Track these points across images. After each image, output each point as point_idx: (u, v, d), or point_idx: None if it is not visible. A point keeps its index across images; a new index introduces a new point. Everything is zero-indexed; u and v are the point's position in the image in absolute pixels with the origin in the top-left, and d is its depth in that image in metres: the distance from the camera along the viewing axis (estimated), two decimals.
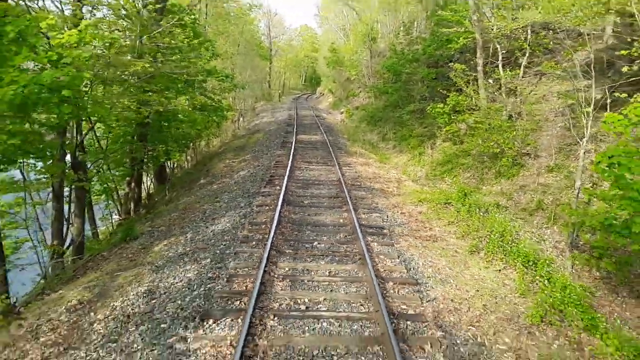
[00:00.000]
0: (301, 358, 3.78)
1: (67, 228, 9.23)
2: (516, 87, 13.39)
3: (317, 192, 9.11)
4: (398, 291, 5.01)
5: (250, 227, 6.94)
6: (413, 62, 19.02)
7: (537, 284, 6.07)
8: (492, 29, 13.80)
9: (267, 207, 7.90)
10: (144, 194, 14.26)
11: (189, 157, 19.11)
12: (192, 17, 12.45)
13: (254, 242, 6.29)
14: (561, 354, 4.43)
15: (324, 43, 51.45)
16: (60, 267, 8.05)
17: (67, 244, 8.95)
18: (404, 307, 4.66)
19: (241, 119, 27.47)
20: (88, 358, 4.22)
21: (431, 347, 3.96)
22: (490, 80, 14.52)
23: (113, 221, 13.30)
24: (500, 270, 6.43)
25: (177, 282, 5.40)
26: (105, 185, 11.87)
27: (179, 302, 4.90)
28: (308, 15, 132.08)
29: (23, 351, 4.57)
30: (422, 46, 18.32)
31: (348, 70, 32.07)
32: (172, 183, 14.10)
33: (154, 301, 5.05)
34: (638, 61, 7.24)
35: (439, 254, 6.57)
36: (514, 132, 11.45)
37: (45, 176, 9.01)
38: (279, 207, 7.47)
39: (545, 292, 5.60)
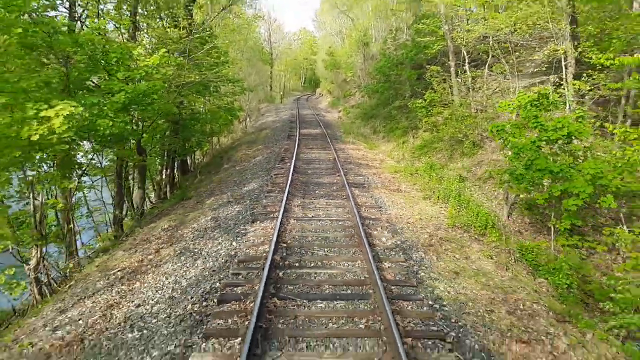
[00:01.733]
0: (309, 234, 7.20)
1: (121, 199, 12.63)
2: (482, 85, 16.88)
3: (317, 166, 12.58)
4: (367, 210, 8.46)
5: (272, 186, 10.39)
6: (399, 65, 22.53)
7: (462, 215, 9.48)
8: (460, 38, 17.21)
9: (282, 175, 11.34)
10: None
11: (205, 152, 22.55)
12: (213, 36, 15.96)
13: (276, 192, 9.73)
14: (459, 238, 7.86)
15: (321, 46, 55.10)
16: (124, 225, 11.50)
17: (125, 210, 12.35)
18: (369, 216, 8.11)
19: (248, 118, 30.95)
20: (185, 245, 7.60)
21: (381, 229, 7.40)
22: (459, 79, 18.10)
23: (147, 205, 16.74)
24: (440, 207, 9.85)
25: (231, 213, 8.85)
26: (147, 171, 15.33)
27: (235, 219, 8.34)
28: (306, 18, 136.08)
29: (145, 247, 8.01)
30: (405, 51, 21.82)
31: (344, 72, 35.66)
32: (198, 170, 17.55)
33: (219, 222, 8.48)
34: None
35: (400, 197, 10.03)
36: (475, 121, 14.90)
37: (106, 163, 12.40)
38: (290, 174, 10.90)
39: (463, 216, 9.02)
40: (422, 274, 5.87)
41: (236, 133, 26.32)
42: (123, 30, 12.52)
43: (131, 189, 13.70)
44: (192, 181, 16.45)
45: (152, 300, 5.54)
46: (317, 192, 9.78)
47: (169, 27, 13.08)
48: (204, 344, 4.18)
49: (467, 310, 5.02)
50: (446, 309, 4.95)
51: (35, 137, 5.48)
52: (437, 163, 14.56)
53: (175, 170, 16.82)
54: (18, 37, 7.14)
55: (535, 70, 16.44)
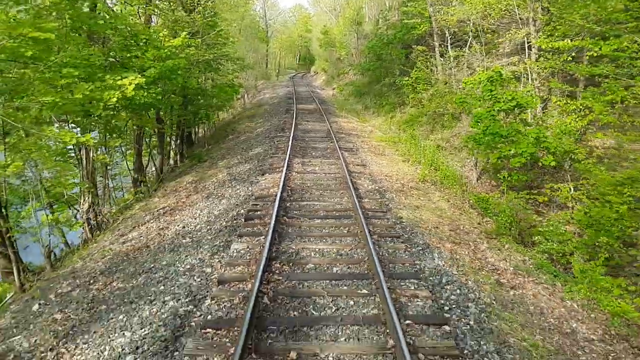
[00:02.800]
0: (307, 181, 9.37)
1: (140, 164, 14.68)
2: (464, 63, 18.92)
3: (313, 135, 14.70)
4: (354, 167, 10.65)
5: (275, 150, 12.51)
6: (389, 45, 24.42)
7: (432, 174, 11.67)
8: (443, 20, 19.10)
9: (283, 142, 13.45)
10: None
11: (212, 125, 24.47)
12: (218, 17, 17.80)
13: (279, 154, 11.86)
14: (426, 188, 10.07)
15: (316, 24, 56.50)
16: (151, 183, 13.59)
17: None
18: (355, 171, 10.29)
19: (246, 95, 32.80)
20: (210, 192, 9.74)
21: (364, 179, 9.59)
22: (443, 59, 20.13)
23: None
24: (415, 167, 12.04)
25: (243, 169, 10.98)
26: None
27: (248, 173, 10.47)
28: None
29: (176, 194, 10.17)
30: (394, 31, 23.71)
31: (338, 51, 37.41)
32: (205, 141, 19.57)
33: (234, 176, 10.62)
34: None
35: (382, 159, 12.21)
36: (455, 97, 16.98)
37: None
38: (290, 141, 13.00)
39: (433, 174, 11.21)
40: (391, 206, 8.09)
41: (235, 109, 28.21)
42: (140, 13, 14.38)
43: (150, 154, 15.80)
44: (201, 150, 18.52)
45: (194, 223, 7.71)
46: (313, 154, 11.94)
47: (183, 11, 14.95)
48: (239, 239, 6.38)
49: (419, 226, 7.25)
50: (404, 224, 7.18)
51: (113, 100, 7.53)
52: (420, 135, 16.71)
53: (184, 140, 18.82)
54: (70, 22, 9.10)
55: (510, 50, 18.47)
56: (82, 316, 5.10)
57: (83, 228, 9.94)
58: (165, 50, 11.40)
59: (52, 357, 4.40)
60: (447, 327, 4.30)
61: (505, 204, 9.82)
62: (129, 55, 10.38)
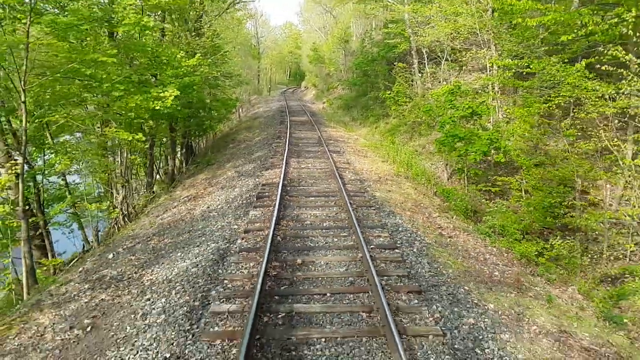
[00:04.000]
0: (303, 174, 11.88)
1: (152, 168, 17.10)
2: (439, 78, 21.72)
3: (306, 142, 17.28)
4: (340, 164, 13.20)
5: (274, 153, 15.03)
6: (374, 61, 27.30)
7: (405, 171, 14.25)
8: (420, 40, 21.92)
9: (280, 146, 15.98)
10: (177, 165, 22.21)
11: (213, 135, 26.95)
12: (218, 37, 20.48)
13: (278, 156, 14.38)
14: (398, 180, 12.64)
15: (306, 41, 59.68)
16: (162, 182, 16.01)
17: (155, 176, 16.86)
18: (341, 167, 12.84)
19: (240, 109, 35.43)
20: (223, 184, 12.20)
21: (348, 172, 12.14)
22: (421, 74, 22.95)
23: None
24: (391, 166, 14.63)
25: (248, 168, 13.47)
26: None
27: (253, 170, 12.96)
28: (292, 9, 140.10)
29: (194, 188, 12.61)
30: (378, 49, 26.60)
31: (328, 67, 40.34)
32: (209, 150, 22.03)
33: (241, 173, 13.09)
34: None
35: (365, 160, 14.79)
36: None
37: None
38: (287, 145, 15.54)
39: (406, 171, 13.80)
40: (369, 190, 10.63)
41: (232, 122, 30.78)
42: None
43: (160, 159, 18.25)
44: (209, 155, 21.00)
45: (216, 204, 10.17)
46: (307, 155, 14.50)
47: (190, 34, 17.60)
48: (255, 209, 8.86)
49: (388, 201, 9.79)
50: (377, 200, 9.72)
51: (157, 108, 10.00)
52: (400, 142, 19.36)
53: (188, 149, 21.29)
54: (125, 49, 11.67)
55: (481, 67, 21.31)
56: (149, 257, 7.52)
57: (118, 216, 12.34)
58: (182, 69, 13.95)
59: (137, 276, 6.80)
60: (397, 251, 6.82)
61: (462, 193, 12.44)
62: (154, 72, 12.88)
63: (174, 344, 4.53)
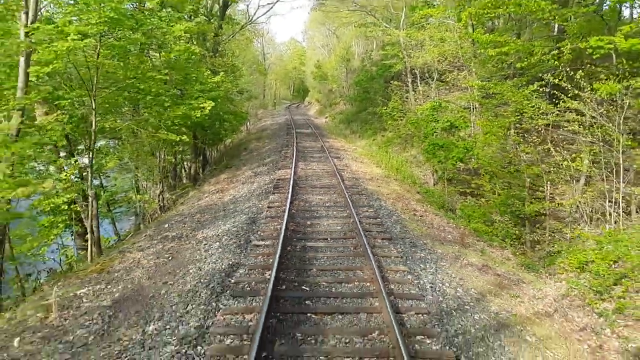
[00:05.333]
0: (309, 174, 14.80)
1: (175, 172, 20.05)
2: (430, 95, 24.77)
3: (310, 149, 20.26)
4: (340, 167, 16.15)
5: (284, 157, 17.98)
6: (373, 79, 30.49)
7: (394, 174, 17.16)
8: (412, 61, 25.06)
9: (289, 153, 18.94)
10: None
11: (217, 149, 30.02)
12: (234, 56, 23.64)
13: (287, 160, 17.33)
14: (387, 180, 15.56)
15: (310, 58, 63.29)
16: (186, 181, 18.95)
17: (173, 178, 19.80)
18: (341, 169, 15.78)
19: (248, 122, 38.58)
20: (244, 180, 15.09)
21: (346, 173, 15.07)
22: (414, 92, 26.04)
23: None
24: (383, 170, 17.55)
25: (263, 169, 16.41)
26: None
27: (268, 171, 15.89)
28: (297, 29, 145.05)
29: (218, 184, 15.54)
30: (377, 69, 29.79)
31: (330, 83, 43.64)
32: (224, 157, 24.99)
33: (257, 173, 16.00)
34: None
35: (361, 164, 17.74)
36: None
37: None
38: (294, 152, 18.50)
39: (395, 174, 16.72)
40: (362, 184, 13.54)
41: (241, 133, 33.87)
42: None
43: (181, 164, 21.22)
44: (220, 163, 23.97)
45: (240, 194, 13.06)
46: (312, 160, 17.45)
47: (210, 54, 20.75)
48: (273, 195, 11.78)
49: (377, 193, 12.69)
50: (368, 191, 12.62)
51: (197, 116, 13.01)
52: (394, 152, 22.33)
53: (204, 157, 24.30)
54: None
55: (464, 87, 24.36)
56: (197, 225, 10.41)
57: (155, 207, 15.23)
58: (208, 85, 17.01)
59: (192, 235, 9.67)
60: (378, 219, 9.72)
61: (441, 192, 15.35)
62: (186, 87, 15.89)
63: (232, 259, 7.41)
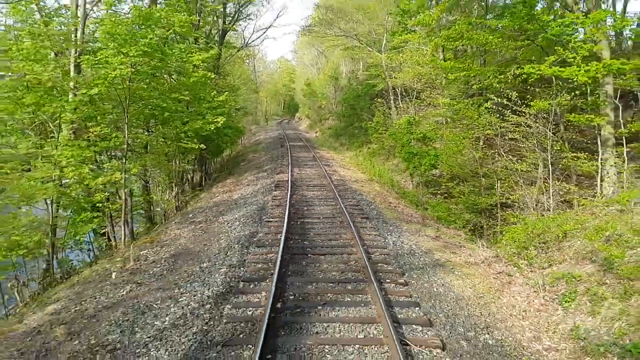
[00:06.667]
0: (303, 177, 17.81)
1: (180, 179, 22.91)
2: (411, 111, 28.02)
3: (304, 159, 23.31)
4: (330, 171, 19.20)
5: (281, 165, 20.97)
6: (359, 97, 33.79)
7: (377, 178, 20.22)
8: (393, 81, 28.38)
9: (285, 162, 21.93)
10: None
11: (215, 161, 32.92)
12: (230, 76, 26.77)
13: (284, 167, 20.32)
14: (369, 182, 18.61)
15: (299, 76, 66.88)
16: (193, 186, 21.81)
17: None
18: (330, 173, 18.82)
19: (243, 137, 41.59)
20: (247, 183, 18.02)
21: (335, 176, 18.10)
22: (396, 108, 29.32)
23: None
24: (367, 175, 20.61)
25: (264, 175, 19.38)
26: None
27: (267, 175, 18.85)
28: (287, 48, 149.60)
29: (225, 187, 18.47)
30: (362, 87, 33.14)
31: (320, 100, 46.99)
32: (225, 167, 27.89)
33: (258, 177, 18.96)
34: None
35: (348, 171, 20.80)
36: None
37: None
38: (290, 162, 21.49)
39: (377, 178, 19.79)
40: (348, 185, 16.56)
41: (237, 147, 36.85)
42: None
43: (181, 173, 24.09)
44: (222, 172, 26.86)
45: (246, 193, 15.98)
46: (305, 167, 20.47)
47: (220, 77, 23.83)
48: (275, 192, 14.74)
49: (360, 190, 15.71)
50: (353, 189, 15.65)
51: (212, 128, 15.97)
52: (378, 162, 25.46)
53: (205, 167, 27.18)
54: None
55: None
56: (216, 214, 13.30)
57: (172, 206, 18.06)
58: (214, 103, 20.02)
59: (214, 219, 12.55)
60: (359, 206, 12.74)
61: (416, 193, 18.44)
62: (195, 105, 18.87)
63: (251, 229, 10.34)
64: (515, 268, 9.81)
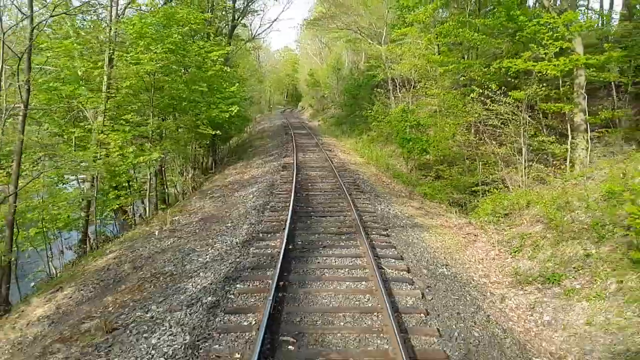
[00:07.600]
0: (307, 161, 19.98)
1: (194, 164, 25.12)
2: (406, 101, 30.09)
3: (307, 145, 25.48)
4: (331, 156, 21.39)
5: (286, 150, 23.14)
6: (360, 87, 35.81)
7: (373, 161, 22.36)
8: (392, 72, 30.37)
9: (290, 147, 24.09)
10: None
11: (222, 147, 35.09)
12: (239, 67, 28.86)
13: (289, 152, 22.50)
14: (367, 164, 20.78)
15: (303, 66, 68.79)
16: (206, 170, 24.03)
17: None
18: (332, 157, 21.00)
19: (248, 125, 43.73)
20: (257, 166, 20.21)
21: (336, 160, 20.27)
22: (395, 98, 31.35)
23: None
24: (365, 159, 22.75)
25: (270, 159, 21.57)
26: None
27: (275, 159, 21.04)
28: (290, 37, 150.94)
29: (237, 169, 20.68)
30: (362, 77, 35.15)
31: (323, 90, 48.99)
32: (233, 153, 30.06)
33: (266, 161, 21.15)
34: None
35: (348, 155, 22.98)
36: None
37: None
38: (295, 148, 23.64)
39: (373, 161, 21.95)
40: (348, 166, 18.74)
41: (243, 135, 39.00)
42: None
43: (196, 157, 26.33)
44: (232, 157, 29.06)
45: (257, 173, 18.18)
46: (309, 151, 22.65)
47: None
48: (282, 173, 16.93)
49: (358, 171, 17.89)
50: (351, 170, 17.84)
51: (226, 116, 18.10)
52: (377, 148, 27.58)
53: (215, 153, 29.37)
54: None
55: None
56: (231, 190, 15.51)
57: (189, 187, 20.29)
58: (226, 93, 22.16)
59: (230, 194, 14.77)
60: (356, 183, 14.96)
61: (408, 175, 20.61)
62: (208, 95, 20.99)
63: (264, 199, 12.56)
64: (482, 231, 12.00)
